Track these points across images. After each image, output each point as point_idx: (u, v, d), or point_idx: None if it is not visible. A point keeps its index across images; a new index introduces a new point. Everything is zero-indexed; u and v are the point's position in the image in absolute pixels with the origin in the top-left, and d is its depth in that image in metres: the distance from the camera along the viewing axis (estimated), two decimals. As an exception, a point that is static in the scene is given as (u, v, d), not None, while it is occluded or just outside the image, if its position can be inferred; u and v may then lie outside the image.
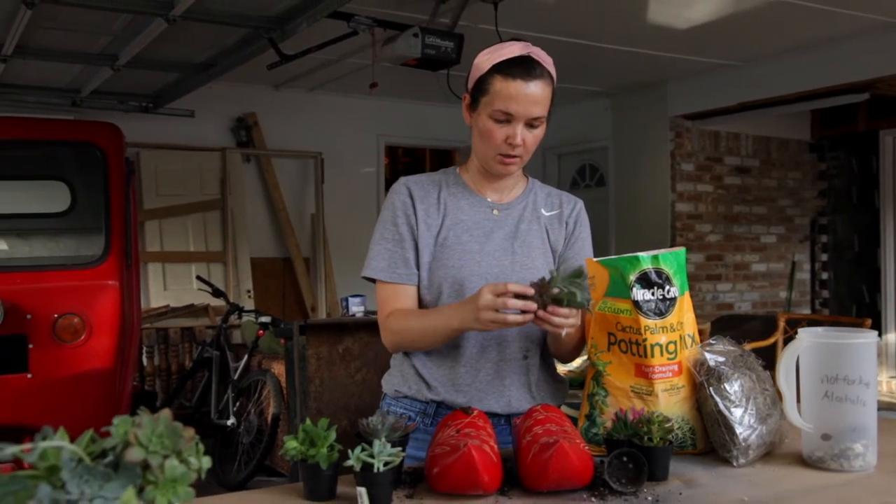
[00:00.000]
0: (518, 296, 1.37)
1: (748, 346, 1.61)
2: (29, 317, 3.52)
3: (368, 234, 1.69)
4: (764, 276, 6.90)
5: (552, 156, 7.33)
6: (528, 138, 1.55)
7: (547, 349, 1.67)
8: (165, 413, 0.69)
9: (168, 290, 5.82)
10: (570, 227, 1.70)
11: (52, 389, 3.55)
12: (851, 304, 7.05)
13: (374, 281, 1.65)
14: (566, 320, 1.38)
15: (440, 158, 8.40)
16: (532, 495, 1.26)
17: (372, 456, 1.18)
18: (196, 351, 5.25)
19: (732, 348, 1.52)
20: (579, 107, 6.84)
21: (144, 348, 5.27)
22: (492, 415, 1.54)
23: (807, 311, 7.06)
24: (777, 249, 6.98)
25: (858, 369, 1.38)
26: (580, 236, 1.70)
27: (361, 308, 4.40)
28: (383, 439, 1.21)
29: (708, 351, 1.50)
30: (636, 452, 1.27)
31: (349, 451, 1.19)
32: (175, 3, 3.52)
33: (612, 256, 1.53)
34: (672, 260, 1.53)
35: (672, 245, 5.92)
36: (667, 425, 1.35)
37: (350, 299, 4.46)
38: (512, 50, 1.54)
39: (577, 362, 3.10)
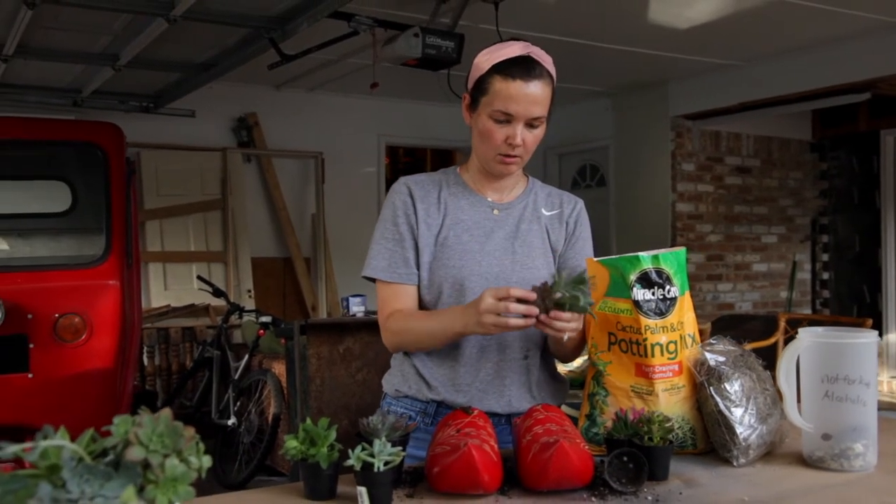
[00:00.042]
0: (520, 300, 1.37)
1: (749, 346, 1.61)
2: (30, 316, 3.52)
3: (369, 233, 1.69)
4: (765, 276, 6.90)
5: (553, 156, 7.33)
6: (528, 138, 1.55)
7: (547, 349, 1.67)
8: (166, 412, 0.69)
9: (169, 289, 5.83)
10: (571, 226, 1.70)
11: (53, 389, 3.55)
12: (852, 305, 7.05)
13: (374, 280, 1.65)
14: (568, 324, 1.38)
15: (441, 158, 8.40)
16: (532, 495, 1.26)
17: (372, 455, 1.18)
18: (197, 351, 5.25)
19: (733, 348, 1.52)
20: (580, 107, 6.84)
21: (145, 348, 5.27)
22: (492, 414, 1.54)
23: (808, 311, 7.06)
24: (778, 249, 6.98)
25: (859, 369, 1.38)
26: (581, 236, 1.70)
27: (362, 308, 4.41)
28: (384, 439, 1.21)
29: (708, 351, 1.50)
30: (636, 452, 1.27)
31: (349, 451, 1.19)
32: (176, 3, 3.52)
33: (613, 256, 1.53)
34: (672, 260, 1.53)
35: (673, 245, 5.91)
36: (667, 425, 1.35)
37: (351, 299, 4.47)
38: (512, 50, 1.53)
39: (578, 362, 3.10)
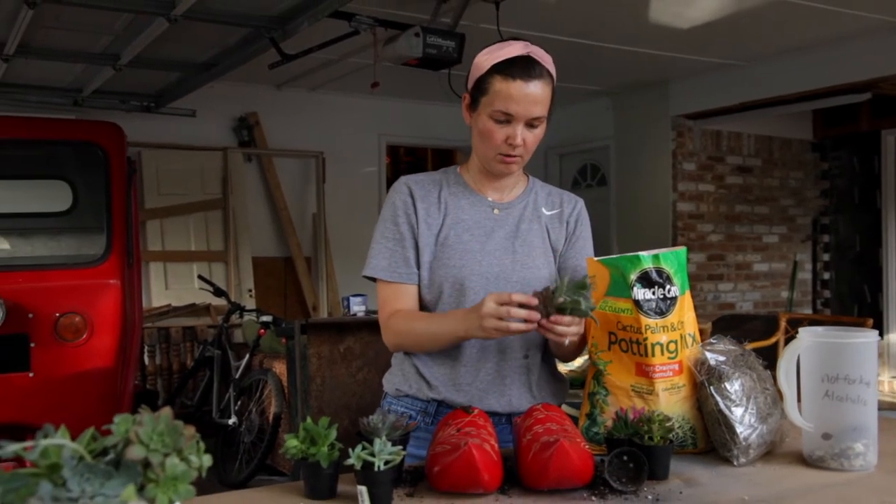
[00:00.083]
0: (522, 305, 1.37)
1: (749, 346, 1.61)
2: (31, 316, 3.53)
3: (370, 233, 1.69)
4: (765, 276, 6.90)
5: (554, 155, 7.33)
6: (528, 138, 1.55)
7: (548, 349, 1.67)
8: (166, 411, 0.69)
9: (169, 289, 5.83)
10: (571, 226, 1.70)
11: (54, 388, 3.56)
12: (853, 304, 7.04)
13: (374, 280, 1.65)
14: (569, 329, 1.39)
15: (442, 158, 8.41)
16: (532, 494, 1.26)
17: (373, 454, 1.18)
18: (197, 350, 5.25)
19: (733, 347, 1.52)
20: (581, 106, 6.83)
21: (146, 347, 5.27)
22: (492, 414, 1.55)
23: (808, 310, 7.06)
24: (779, 249, 6.97)
25: (859, 369, 1.38)
26: (581, 235, 1.70)
27: (363, 307, 4.41)
28: (384, 438, 1.22)
29: (708, 350, 1.50)
30: (637, 451, 1.27)
31: (350, 450, 1.19)
32: (176, 2, 3.52)
33: (613, 256, 1.53)
34: (673, 259, 1.53)
35: (674, 245, 5.91)
36: (667, 424, 1.35)
37: (351, 298, 4.47)
38: (511, 49, 1.53)
39: (578, 361, 3.10)
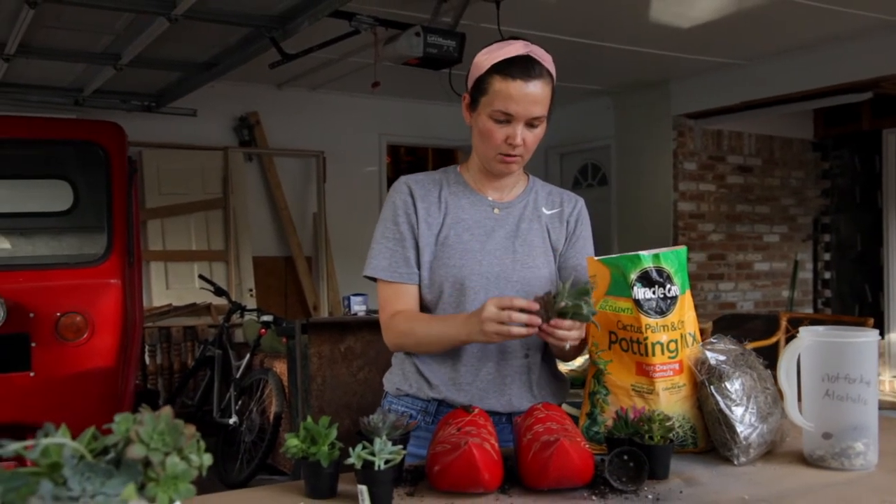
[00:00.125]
0: (523, 310, 1.37)
1: (750, 346, 1.61)
2: (31, 315, 3.53)
3: (370, 232, 1.69)
4: (766, 276, 6.90)
5: (554, 155, 7.33)
6: (528, 138, 1.55)
7: (548, 348, 1.67)
8: (166, 410, 0.70)
9: (170, 288, 5.83)
10: (571, 225, 1.70)
11: (55, 388, 3.56)
12: (854, 304, 7.04)
13: (375, 280, 1.65)
14: (570, 333, 1.39)
15: (442, 157, 8.41)
16: (533, 493, 1.26)
17: (373, 454, 1.18)
18: (198, 350, 5.26)
19: (733, 347, 1.52)
20: (582, 106, 6.83)
21: (147, 347, 5.28)
22: (493, 413, 1.55)
23: (809, 310, 7.06)
24: (780, 249, 6.97)
25: (859, 368, 1.38)
26: (581, 235, 1.70)
27: (363, 307, 4.41)
28: (384, 437, 1.22)
29: (709, 349, 1.50)
30: (637, 451, 1.27)
31: (350, 449, 1.19)
32: (177, 2, 3.52)
33: (614, 255, 1.53)
34: (673, 259, 1.53)
35: (674, 244, 5.91)
36: (667, 424, 1.35)
37: (352, 298, 4.47)
38: (511, 49, 1.53)
39: (579, 361, 3.10)
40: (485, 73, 1.54)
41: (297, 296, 6.45)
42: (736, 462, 1.42)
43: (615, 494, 1.24)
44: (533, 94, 1.51)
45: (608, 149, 6.83)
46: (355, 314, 4.36)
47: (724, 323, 5.50)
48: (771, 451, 1.48)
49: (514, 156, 1.57)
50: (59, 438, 0.65)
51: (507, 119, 1.53)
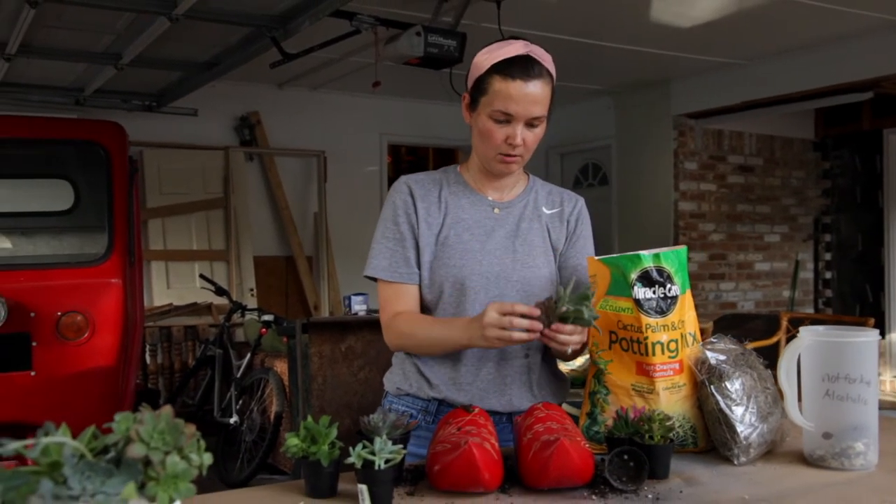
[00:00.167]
0: (524, 316, 1.38)
1: (750, 346, 1.61)
2: (32, 315, 3.53)
3: (371, 232, 1.69)
4: (767, 276, 6.89)
5: (555, 155, 7.33)
6: (528, 138, 1.55)
7: (549, 349, 1.67)
8: (167, 410, 0.70)
9: (171, 288, 5.84)
10: (572, 225, 1.70)
11: (56, 387, 3.56)
12: (855, 304, 7.04)
13: (375, 280, 1.65)
14: (571, 337, 1.39)
15: (443, 157, 8.41)
16: (533, 493, 1.26)
17: (373, 453, 1.18)
18: (199, 349, 5.26)
19: (733, 347, 1.52)
20: (582, 106, 6.83)
21: (148, 346, 5.28)
22: (493, 413, 1.55)
23: (810, 310, 7.05)
24: (780, 248, 6.97)
25: (860, 368, 1.38)
26: (581, 234, 1.70)
27: (364, 306, 4.41)
28: (384, 437, 1.22)
29: (709, 349, 1.50)
30: (637, 450, 1.27)
31: (350, 449, 1.19)
32: (178, 1, 3.52)
33: (614, 255, 1.53)
34: (673, 258, 1.53)
35: (675, 244, 5.91)
36: (668, 423, 1.35)
37: (352, 297, 4.47)
38: (511, 49, 1.53)
39: (579, 360, 3.10)
40: (485, 73, 1.54)
41: (298, 295, 6.45)
42: (736, 462, 1.42)
43: (615, 494, 1.24)
44: (533, 93, 1.51)
45: (609, 148, 6.83)
46: (356, 314, 4.36)
47: (724, 323, 5.49)
48: (771, 451, 1.48)
49: (514, 156, 1.57)
50: (60, 437, 0.65)
51: (506, 119, 1.53)
